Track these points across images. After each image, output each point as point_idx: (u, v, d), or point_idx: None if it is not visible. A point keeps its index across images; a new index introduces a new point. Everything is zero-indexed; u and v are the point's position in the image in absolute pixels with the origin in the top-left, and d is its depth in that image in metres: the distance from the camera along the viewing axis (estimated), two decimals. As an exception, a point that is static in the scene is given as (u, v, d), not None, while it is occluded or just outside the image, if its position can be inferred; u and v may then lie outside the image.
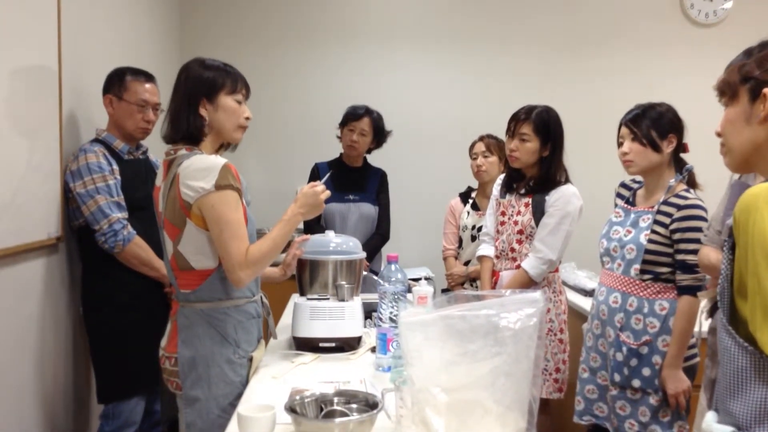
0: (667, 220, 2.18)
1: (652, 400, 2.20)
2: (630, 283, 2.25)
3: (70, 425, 2.54)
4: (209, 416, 1.84)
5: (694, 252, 2.08)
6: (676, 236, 2.16)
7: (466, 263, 3.26)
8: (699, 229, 2.12)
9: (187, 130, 1.86)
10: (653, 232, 2.20)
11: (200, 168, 1.79)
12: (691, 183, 2.30)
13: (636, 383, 2.22)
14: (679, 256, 2.16)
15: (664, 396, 2.19)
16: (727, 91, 1.24)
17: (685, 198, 2.18)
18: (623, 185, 2.48)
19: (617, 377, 2.26)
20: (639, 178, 2.39)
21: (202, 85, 1.86)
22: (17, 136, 2.15)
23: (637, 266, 2.22)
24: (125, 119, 2.52)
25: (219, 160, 1.81)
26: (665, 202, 2.21)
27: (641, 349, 2.21)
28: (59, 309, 2.46)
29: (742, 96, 1.21)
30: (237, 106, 1.91)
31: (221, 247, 1.80)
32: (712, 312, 1.97)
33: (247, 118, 1.95)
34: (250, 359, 1.93)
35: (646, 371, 2.21)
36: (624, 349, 2.23)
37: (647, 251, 2.20)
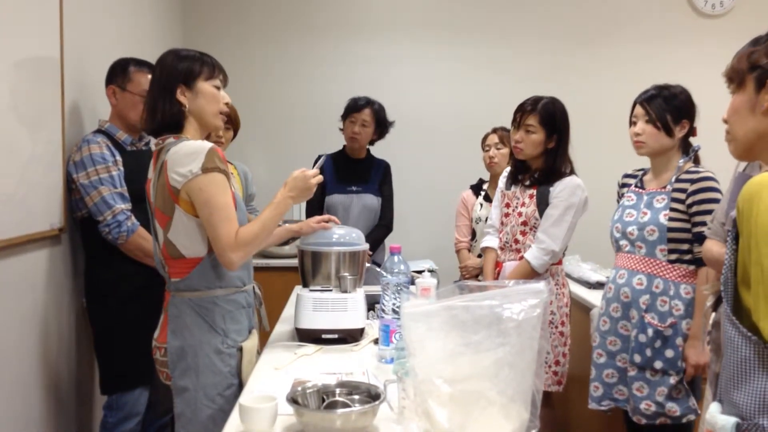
0: (683, 196, 2.22)
1: (672, 380, 2.22)
2: (656, 264, 2.26)
3: (74, 416, 2.55)
4: (197, 406, 1.84)
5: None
6: (693, 209, 2.20)
7: (480, 255, 3.25)
8: (715, 200, 2.15)
9: (162, 118, 1.86)
10: (672, 209, 2.23)
11: (187, 153, 1.79)
12: (696, 162, 2.33)
13: (658, 365, 2.23)
14: (697, 229, 2.19)
15: (683, 377, 2.22)
16: (735, 78, 1.23)
17: (697, 172, 2.23)
18: (627, 176, 2.52)
19: (637, 358, 2.27)
20: (640, 167, 2.42)
21: (179, 73, 1.86)
22: (19, 126, 2.14)
23: (663, 247, 2.24)
24: (128, 110, 2.51)
25: (205, 144, 1.81)
26: (678, 180, 2.25)
27: (666, 331, 2.23)
28: (62, 300, 2.46)
29: (748, 84, 1.20)
30: (216, 92, 1.92)
31: (211, 229, 1.80)
32: (715, 306, 1.96)
33: (227, 104, 1.96)
34: (240, 349, 1.92)
35: (669, 353, 2.23)
36: (649, 330, 2.24)
37: (669, 230, 2.22)
